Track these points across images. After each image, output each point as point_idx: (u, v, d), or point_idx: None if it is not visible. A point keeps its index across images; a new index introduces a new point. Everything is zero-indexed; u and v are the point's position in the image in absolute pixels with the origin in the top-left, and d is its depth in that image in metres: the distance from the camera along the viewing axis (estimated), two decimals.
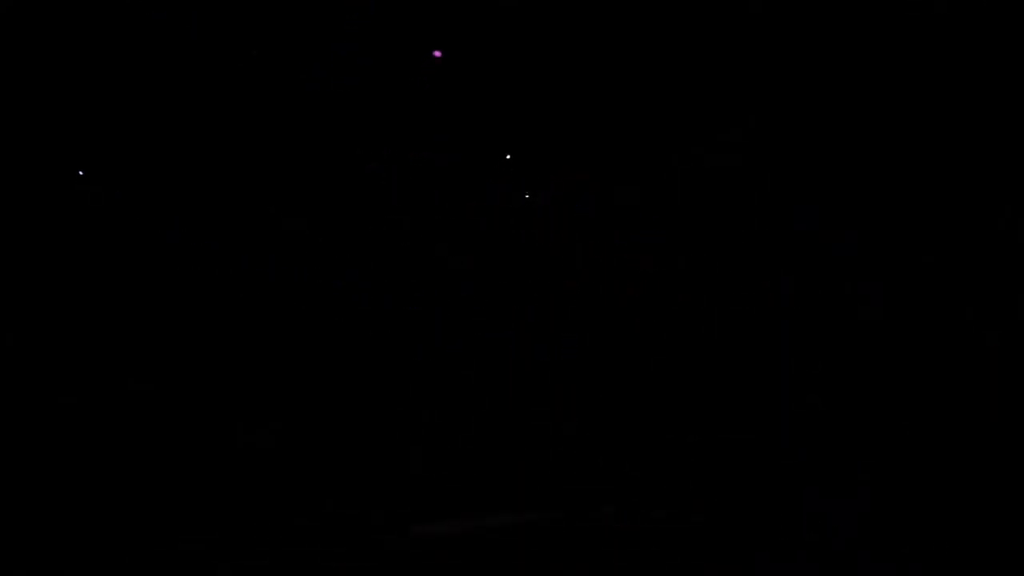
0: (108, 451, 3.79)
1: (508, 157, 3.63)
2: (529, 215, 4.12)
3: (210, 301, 3.97)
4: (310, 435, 3.95)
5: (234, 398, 3.92)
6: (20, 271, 3.84)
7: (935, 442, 3.77)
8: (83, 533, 3.64)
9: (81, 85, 3.92)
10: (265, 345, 3.97)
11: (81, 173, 3.71)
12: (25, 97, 3.88)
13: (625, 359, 4.05)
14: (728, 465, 3.93)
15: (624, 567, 3.73)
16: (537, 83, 4.10)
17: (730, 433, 3.95)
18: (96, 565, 3.52)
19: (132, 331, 3.90)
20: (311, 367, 3.99)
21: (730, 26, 4.03)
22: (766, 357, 3.95)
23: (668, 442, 3.99)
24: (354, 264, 4.06)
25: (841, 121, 3.99)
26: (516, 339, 4.05)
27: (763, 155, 4.05)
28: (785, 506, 3.78)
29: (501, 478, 4.00)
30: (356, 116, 4.08)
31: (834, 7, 3.95)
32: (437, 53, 3.69)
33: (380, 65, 4.07)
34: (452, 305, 4.06)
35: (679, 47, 4.08)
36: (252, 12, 3.99)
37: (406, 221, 4.12)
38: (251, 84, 4.02)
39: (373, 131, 4.09)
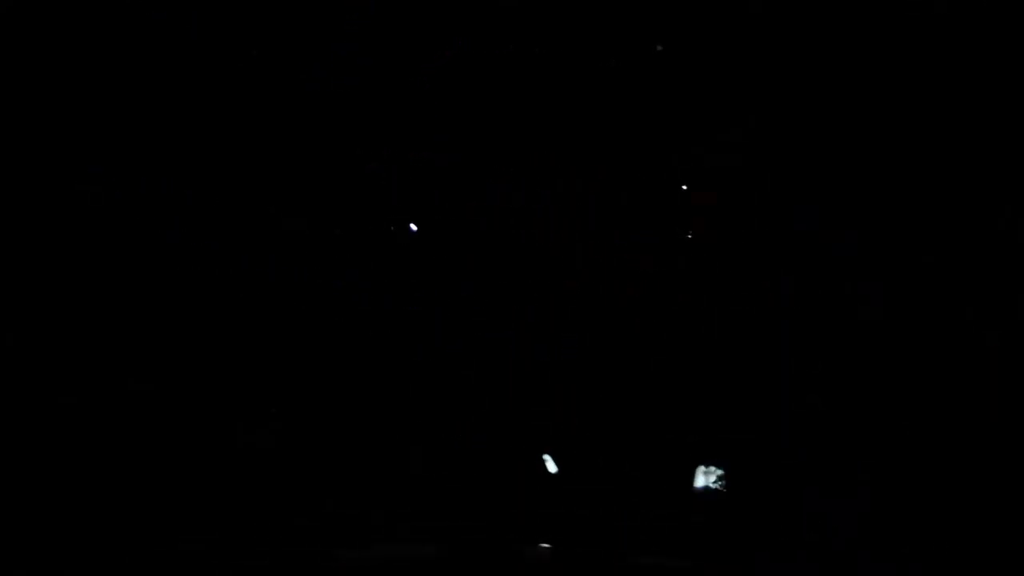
0: (108, 451, 3.79)
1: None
2: (529, 215, 4.12)
3: (210, 301, 3.97)
4: (310, 435, 3.95)
5: (234, 398, 3.92)
6: (20, 271, 3.84)
7: (935, 442, 3.77)
8: (83, 533, 3.64)
9: (80, 85, 3.92)
10: (265, 345, 3.97)
11: (98, 171, 3.71)
12: (24, 97, 3.88)
13: (625, 359, 4.05)
14: (728, 465, 3.93)
15: (624, 567, 3.73)
16: (537, 83, 4.10)
17: (730, 433, 3.94)
18: (96, 565, 3.52)
19: (132, 331, 3.90)
20: (311, 367, 3.99)
21: (730, 26, 4.03)
22: (766, 357, 3.95)
23: (668, 442, 3.99)
24: (354, 264, 4.07)
25: (841, 121, 3.99)
26: (516, 339, 4.05)
27: (763, 155, 4.05)
28: (785, 506, 3.78)
29: (501, 478, 4.00)
30: (356, 116, 4.08)
31: (834, 7, 3.95)
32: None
33: (380, 65, 4.07)
34: (452, 305, 4.06)
35: (679, 47, 4.08)
36: (252, 12, 4.00)
37: (406, 221, 4.12)
38: (251, 84, 4.02)
39: (373, 131, 4.09)
